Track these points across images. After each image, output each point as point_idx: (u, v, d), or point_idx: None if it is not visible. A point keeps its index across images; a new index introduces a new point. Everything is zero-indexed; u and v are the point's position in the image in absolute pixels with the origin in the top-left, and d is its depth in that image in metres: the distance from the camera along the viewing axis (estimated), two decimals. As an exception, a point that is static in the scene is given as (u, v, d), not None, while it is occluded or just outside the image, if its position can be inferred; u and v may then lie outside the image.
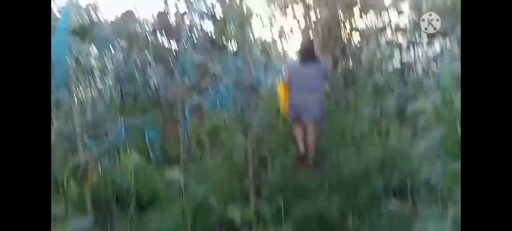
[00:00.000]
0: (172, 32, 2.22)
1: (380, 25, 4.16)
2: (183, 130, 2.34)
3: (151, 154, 1.92)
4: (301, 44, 4.49)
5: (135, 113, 3.08)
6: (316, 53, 4.49)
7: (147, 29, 2.55)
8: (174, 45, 2.82)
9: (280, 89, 4.88)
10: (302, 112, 4.32)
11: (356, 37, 5.23)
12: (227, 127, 3.09)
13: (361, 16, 4.77)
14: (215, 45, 2.85)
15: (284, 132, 5.46)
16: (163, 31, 2.21)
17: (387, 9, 3.80)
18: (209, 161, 2.87)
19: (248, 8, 3.36)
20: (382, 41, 4.10)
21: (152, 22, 2.77)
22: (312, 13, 6.21)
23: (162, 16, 2.21)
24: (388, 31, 3.87)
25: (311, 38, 5.17)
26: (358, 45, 4.97)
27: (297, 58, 4.49)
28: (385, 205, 2.97)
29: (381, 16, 4.17)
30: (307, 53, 4.30)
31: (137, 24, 2.90)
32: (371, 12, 4.12)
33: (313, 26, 6.28)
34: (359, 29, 5.09)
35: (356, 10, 4.79)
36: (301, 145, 4.44)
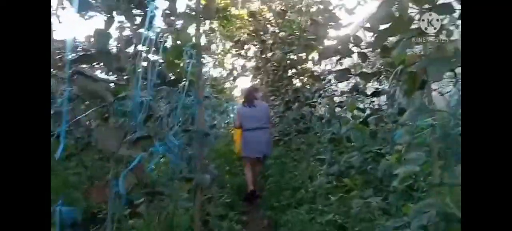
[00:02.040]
0: (111, 61, 1.60)
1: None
2: (114, 194, 1.67)
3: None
4: (247, 90, 5.40)
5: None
6: (258, 97, 5.32)
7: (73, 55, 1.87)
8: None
9: (236, 134, 5.37)
10: (254, 150, 5.03)
11: (311, 82, 4.98)
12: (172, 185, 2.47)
13: (319, 61, 4.54)
14: (163, 82, 2.25)
15: (233, 185, 5.11)
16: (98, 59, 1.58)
17: (350, 54, 3.51)
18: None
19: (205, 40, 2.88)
20: (342, 86, 3.83)
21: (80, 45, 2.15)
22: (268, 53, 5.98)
23: (101, 37, 1.58)
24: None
25: (256, 85, 6.21)
26: (314, 90, 4.70)
27: (243, 102, 5.34)
28: None
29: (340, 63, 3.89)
30: (251, 97, 5.16)
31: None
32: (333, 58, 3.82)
33: (267, 66, 6.05)
34: (317, 72, 4.85)
35: (314, 54, 4.56)
36: (251, 185, 5.03)
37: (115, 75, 1.72)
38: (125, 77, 1.73)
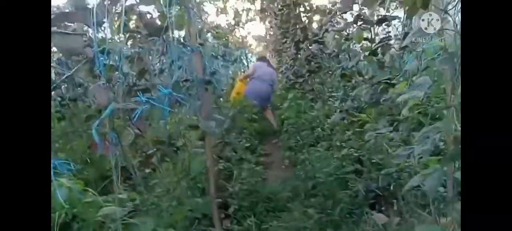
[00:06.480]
0: (88, 17, 1.55)
1: None
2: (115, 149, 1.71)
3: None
4: (260, 57, 6.93)
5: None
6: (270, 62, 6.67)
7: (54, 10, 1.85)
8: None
9: (239, 85, 6.17)
10: (258, 98, 5.91)
11: (317, 17, 4.79)
12: (178, 134, 2.49)
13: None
14: (154, 33, 2.20)
15: (249, 129, 5.15)
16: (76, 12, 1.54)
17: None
18: (158, 182, 2.26)
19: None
20: (348, 18, 3.63)
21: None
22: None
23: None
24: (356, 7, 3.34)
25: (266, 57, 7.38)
26: (321, 26, 4.51)
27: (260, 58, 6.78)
28: (368, 220, 2.60)
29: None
30: (264, 60, 6.59)
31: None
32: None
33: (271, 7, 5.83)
34: (322, 8, 4.63)
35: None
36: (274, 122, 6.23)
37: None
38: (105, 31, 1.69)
